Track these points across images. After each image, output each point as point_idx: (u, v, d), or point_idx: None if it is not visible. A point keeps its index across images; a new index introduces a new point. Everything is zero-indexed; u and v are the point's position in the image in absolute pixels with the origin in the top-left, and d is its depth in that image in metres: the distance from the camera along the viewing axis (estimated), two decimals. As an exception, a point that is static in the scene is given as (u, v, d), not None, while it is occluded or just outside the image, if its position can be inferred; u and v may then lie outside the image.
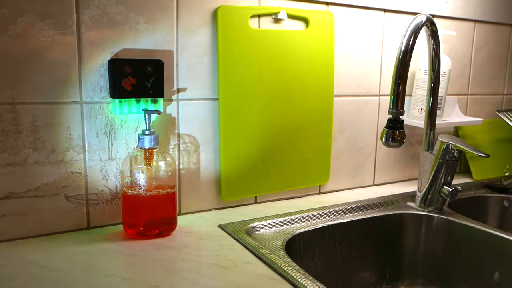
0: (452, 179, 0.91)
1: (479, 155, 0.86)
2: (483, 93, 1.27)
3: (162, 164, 0.75)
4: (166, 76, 0.79)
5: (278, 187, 0.94)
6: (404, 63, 0.76)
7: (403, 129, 0.77)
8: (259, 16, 0.87)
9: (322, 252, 0.84)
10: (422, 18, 0.80)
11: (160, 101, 0.80)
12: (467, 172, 1.24)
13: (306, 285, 0.59)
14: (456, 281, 0.88)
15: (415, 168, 1.16)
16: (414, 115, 1.08)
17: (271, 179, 0.92)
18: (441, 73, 1.00)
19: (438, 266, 0.91)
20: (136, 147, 0.79)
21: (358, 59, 1.02)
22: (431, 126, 0.93)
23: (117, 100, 0.75)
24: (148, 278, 0.61)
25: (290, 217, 0.84)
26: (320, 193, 1.02)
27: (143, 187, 0.74)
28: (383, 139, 0.78)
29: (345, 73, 1.00)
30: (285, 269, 0.63)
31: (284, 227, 0.82)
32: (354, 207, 0.92)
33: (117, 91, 0.74)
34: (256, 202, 0.94)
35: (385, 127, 0.77)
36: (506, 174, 1.23)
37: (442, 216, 0.90)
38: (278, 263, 0.65)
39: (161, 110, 0.80)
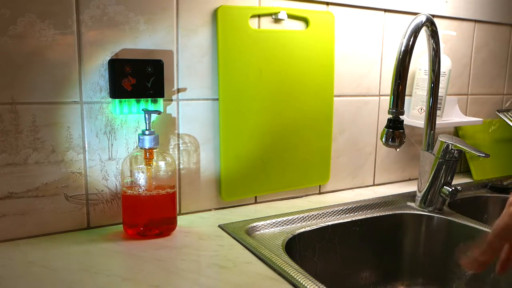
0: (452, 179, 0.91)
1: (479, 155, 0.86)
2: (483, 93, 1.27)
3: (162, 164, 0.75)
4: (166, 76, 0.79)
5: (278, 187, 0.94)
6: (404, 63, 0.76)
7: (403, 129, 0.77)
8: (259, 16, 0.87)
9: (322, 252, 0.84)
10: (422, 18, 0.80)
11: (160, 101, 0.80)
12: (467, 172, 1.24)
13: (306, 285, 0.59)
14: (456, 281, 0.88)
15: (415, 168, 1.16)
16: (414, 115, 1.08)
17: (271, 179, 0.92)
18: (441, 73, 1.00)
19: (438, 266, 0.91)
20: (136, 147, 0.79)
21: (358, 59, 1.02)
22: (431, 126, 0.93)
23: (117, 100, 0.75)
24: (148, 278, 0.61)
25: (290, 217, 0.84)
26: (320, 193, 1.02)
27: (143, 187, 0.74)
28: (383, 139, 0.78)
29: (345, 73, 1.00)
30: (285, 269, 0.63)
31: (284, 227, 0.82)
32: (354, 207, 0.92)
33: (117, 91, 0.74)
34: (256, 202, 0.94)
35: (385, 127, 0.77)
36: None
37: (442, 216, 0.90)
38: (278, 263, 0.65)
39: (161, 110, 0.80)
